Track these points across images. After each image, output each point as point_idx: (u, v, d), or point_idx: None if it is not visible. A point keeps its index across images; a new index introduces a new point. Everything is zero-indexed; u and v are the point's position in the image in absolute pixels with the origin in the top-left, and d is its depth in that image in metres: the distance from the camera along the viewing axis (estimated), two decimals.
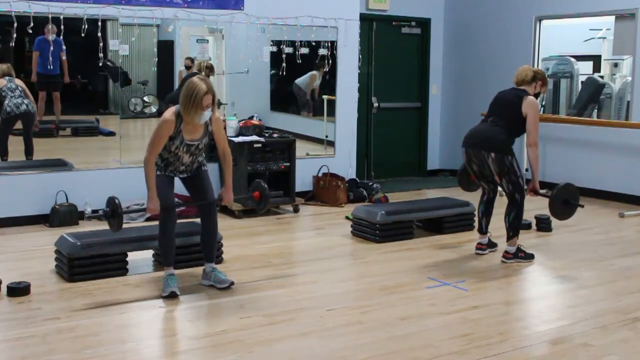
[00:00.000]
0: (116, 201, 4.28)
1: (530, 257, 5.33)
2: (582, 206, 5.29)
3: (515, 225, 5.27)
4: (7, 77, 6.54)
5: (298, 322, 4.00)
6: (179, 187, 4.67)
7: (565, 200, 5.24)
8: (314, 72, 8.07)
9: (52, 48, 6.42)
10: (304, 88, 8.27)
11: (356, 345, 3.65)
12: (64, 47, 6.54)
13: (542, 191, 5.44)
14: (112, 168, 6.70)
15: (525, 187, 5.26)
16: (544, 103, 9.13)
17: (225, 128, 7.15)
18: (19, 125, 6.70)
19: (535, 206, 7.38)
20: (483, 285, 4.74)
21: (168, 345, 3.77)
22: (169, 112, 4.27)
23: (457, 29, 9.47)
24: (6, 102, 6.53)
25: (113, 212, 4.30)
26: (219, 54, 7.62)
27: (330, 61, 7.82)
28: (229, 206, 6.82)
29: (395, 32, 9.19)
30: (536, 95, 5.31)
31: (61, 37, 6.31)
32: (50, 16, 6.18)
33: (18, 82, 6.59)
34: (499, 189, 5.46)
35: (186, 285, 4.59)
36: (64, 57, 6.64)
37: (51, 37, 6.34)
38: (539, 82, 5.28)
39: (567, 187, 5.27)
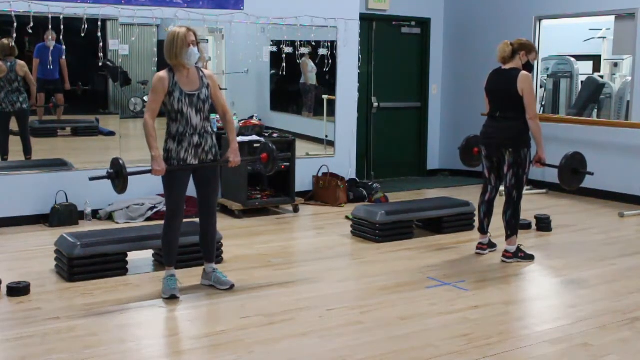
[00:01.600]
0: (120, 162, 4.28)
1: (530, 257, 5.33)
2: (592, 174, 5.29)
3: (512, 224, 5.27)
4: (8, 63, 6.49)
5: (298, 322, 4.00)
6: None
7: (574, 169, 5.23)
8: (302, 60, 7.93)
9: (51, 57, 6.42)
10: (304, 80, 8.25)
11: (356, 345, 3.65)
12: (64, 53, 6.52)
13: (548, 163, 5.37)
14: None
15: (527, 173, 5.23)
16: (543, 103, 9.14)
17: None
18: (16, 125, 6.70)
19: (535, 206, 7.39)
20: (483, 285, 4.74)
21: (168, 345, 3.77)
22: (161, 71, 4.33)
23: (457, 29, 9.47)
24: (2, 96, 6.51)
25: (117, 173, 4.27)
26: (219, 54, 7.62)
27: (330, 61, 7.82)
28: (230, 207, 6.83)
29: (395, 32, 9.19)
30: (527, 65, 5.22)
31: (61, 41, 6.30)
32: (50, 16, 6.18)
33: (19, 68, 6.52)
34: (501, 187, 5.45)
35: (186, 285, 4.58)
36: (64, 63, 6.63)
37: (51, 44, 6.35)
38: (522, 52, 5.21)
39: (575, 156, 5.26)
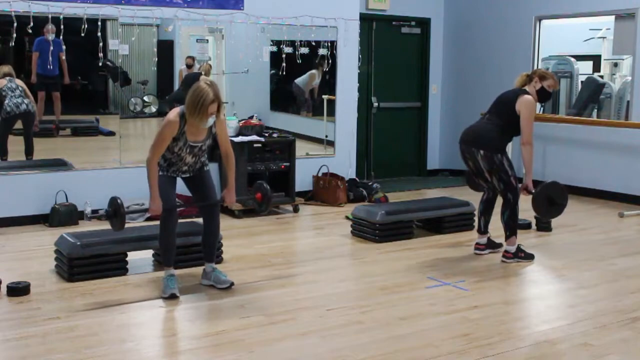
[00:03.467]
0: (118, 201, 4.28)
1: (530, 257, 5.33)
2: (564, 205, 5.28)
3: (510, 224, 5.27)
4: (7, 77, 6.55)
5: (298, 322, 4.00)
6: (180, 187, 4.66)
7: (550, 198, 5.22)
8: (313, 71, 8.06)
9: (51, 48, 6.43)
10: (303, 87, 8.27)
11: (356, 345, 3.65)
12: (63, 48, 6.54)
13: (534, 190, 5.42)
14: (112, 168, 6.70)
15: (519, 185, 5.26)
16: (543, 103, 9.13)
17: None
18: (19, 125, 6.71)
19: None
20: (483, 285, 4.74)
21: (168, 345, 3.77)
22: (173, 113, 4.25)
23: (457, 29, 9.47)
24: (6, 101, 6.54)
25: (115, 212, 4.29)
26: (218, 54, 7.62)
27: (330, 61, 7.82)
28: (230, 206, 6.83)
29: (395, 32, 9.19)
30: (542, 91, 5.22)
31: (61, 37, 6.31)
32: (50, 16, 6.19)
33: (18, 82, 6.60)
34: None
35: (186, 285, 4.59)
36: (63, 58, 6.64)
37: (50, 37, 6.34)
38: (536, 77, 5.24)
39: (552, 185, 5.28)
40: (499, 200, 5.46)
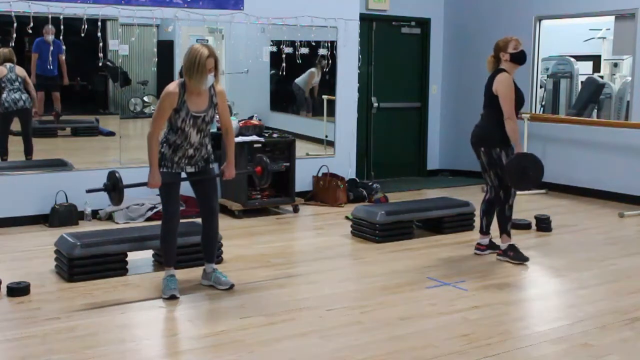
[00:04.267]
0: (117, 175, 4.31)
1: (521, 258, 5.25)
2: (537, 178, 5.15)
3: (501, 221, 5.27)
4: (8, 65, 6.49)
5: (298, 322, 4.00)
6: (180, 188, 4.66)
7: (524, 168, 5.11)
8: (312, 69, 8.05)
9: (51, 48, 6.42)
10: (303, 87, 8.27)
11: (356, 345, 3.65)
12: (63, 49, 6.54)
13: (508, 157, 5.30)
14: (112, 168, 6.67)
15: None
16: (543, 103, 9.14)
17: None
18: (19, 126, 6.70)
19: (535, 206, 7.39)
20: (483, 285, 4.74)
21: (168, 345, 3.77)
22: (172, 84, 4.27)
23: (457, 29, 9.47)
24: (4, 95, 6.52)
25: (114, 185, 4.30)
26: (218, 54, 7.60)
27: (330, 61, 7.82)
28: (229, 207, 6.83)
29: (395, 32, 9.19)
30: (514, 56, 5.15)
31: (60, 38, 6.30)
32: (50, 16, 6.18)
33: (19, 71, 6.53)
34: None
35: (186, 285, 4.58)
36: (63, 59, 6.64)
37: (50, 37, 6.34)
38: (500, 52, 5.18)
39: (528, 156, 5.20)
40: None
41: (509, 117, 5.10)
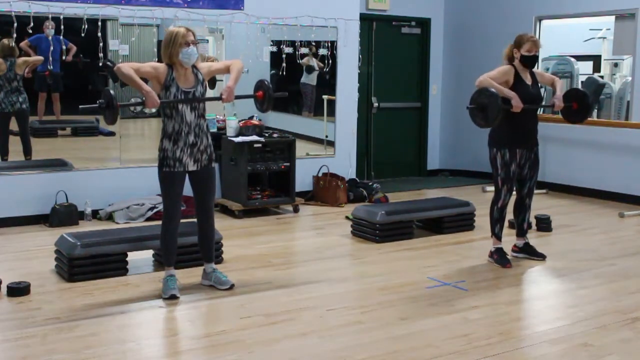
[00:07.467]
0: (111, 92, 4.26)
1: (502, 262, 5.18)
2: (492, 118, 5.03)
3: (490, 221, 5.27)
4: (8, 61, 6.49)
5: (298, 322, 4.01)
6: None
7: (483, 105, 5.07)
8: (305, 59, 7.99)
9: (51, 48, 6.41)
10: (310, 82, 8.24)
11: (356, 345, 3.65)
12: (64, 44, 6.48)
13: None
14: (112, 168, 6.70)
15: (505, 186, 5.15)
16: (544, 103, 9.12)
17: (225, 128, 7.16)
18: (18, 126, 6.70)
19: (535, 206, 7.35)
20: (483, 285, 4.74)
21: (168, 345, 3.77)
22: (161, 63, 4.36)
23: (457, 29, 9.47)
24: (1, 96, 6.51)
25: (108, 103, 4.21)
26: (219, 54, 7.62)
27: (330, 61, 7.82)
28: (229, 207, 6.83)
29: (395, 32, 9.19)
30: (524, 57, 5.09)
31: (61, 37, 6.31)
32: (50, 16, 6.19)
33: (19, 65, 6.49)
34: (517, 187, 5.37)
35: (186, 285, 4.59)
36: (69, 46, 6.55)
37: (50, 33, 6.32)
38: (514, 48, 5.15)
39: (493, 96, 5.03)
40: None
41: (479, 81, 5.10)
